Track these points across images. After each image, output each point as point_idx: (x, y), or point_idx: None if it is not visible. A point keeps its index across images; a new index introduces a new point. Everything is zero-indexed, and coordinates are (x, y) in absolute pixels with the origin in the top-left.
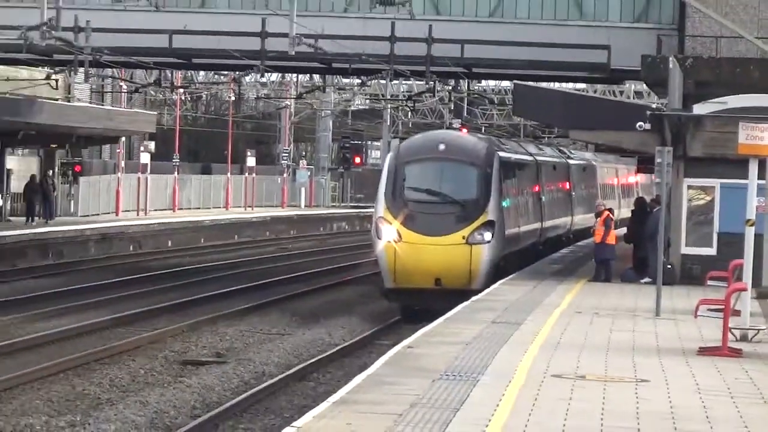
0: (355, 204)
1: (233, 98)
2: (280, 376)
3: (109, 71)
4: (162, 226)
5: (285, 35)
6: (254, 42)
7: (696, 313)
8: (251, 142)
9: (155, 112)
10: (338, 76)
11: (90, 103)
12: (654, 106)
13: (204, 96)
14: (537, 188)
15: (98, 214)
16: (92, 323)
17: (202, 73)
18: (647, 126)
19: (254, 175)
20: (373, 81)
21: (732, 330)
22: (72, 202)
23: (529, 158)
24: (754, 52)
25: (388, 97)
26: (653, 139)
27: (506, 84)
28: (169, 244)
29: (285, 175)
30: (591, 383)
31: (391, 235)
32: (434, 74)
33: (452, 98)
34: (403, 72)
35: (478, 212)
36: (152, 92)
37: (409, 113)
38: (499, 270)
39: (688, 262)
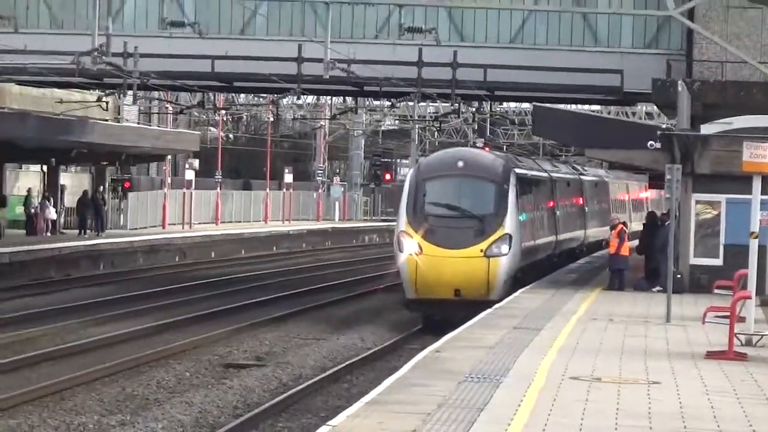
0: (386, 218)
1: (272, 119)
2: (316, 378)
3: (155, 94)
4: (205, 238)
5: (320, 60)
6: (291, 66)
7: (704, 319)
8: (288, 160)
9: (199, 132)
10: (369, 99)
11: (138, 123)
12: (664, 126)
13: (244, 117)
14: (552, 203)
15: (146, 227)
16: (141, 329)
17: (242, 95)
18: (658, 145)
19: (291, 190)
20: (402, 103)
21: (737, 335)
22: (121, 215)
23: (544, 175)
24: (758, 76)
25: (416, 117)
26: (663, 157)
27: (526, 106)
28: (212, 255)
29: (320, 190)
30: (606, 385)
31: (412, 248)
32: (459, 96)
33: (476, 119)
34: (429, 94)
35: (495, 226)
36: (196, 113)
37: (436, 133)
38: (516, 281)
39: (697, 272)
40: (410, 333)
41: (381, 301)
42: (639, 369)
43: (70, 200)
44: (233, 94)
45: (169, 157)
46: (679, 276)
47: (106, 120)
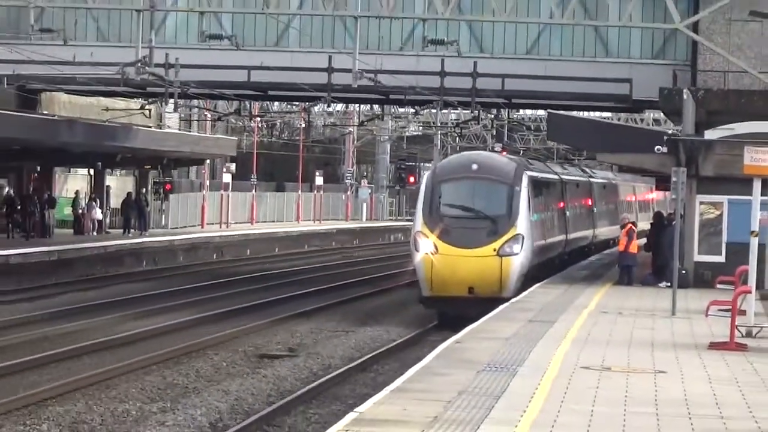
0: (410, 218)
1: (303, 125)
2: (345, 368)
3: (195, 102)
4: (241, 237)
5: (349, 71)
6: (322, 76)
7: (707, 312)
8: (319, 164)
9: (236, 138)
10: (395, 106)
11: (179, 129)
12: (670, 132)
13: (278, 123)
14: (562, 204)
15: (186, 227)
16: (181, 322)
17: (276, 103)
18: (665, 149)
19: (322, 192)
20: (425, 110)
21: (738, 327)
22: (163, 216)
23: (555, 177)
24: (758, 85)
25: (439, 124)
26: (670, 161)
27: (541, 113)
28: (248, 252)
29: (349, 192)
30: (615, 374)
31: (428, 248)
32: (478, 104)
33: (494, 125)
34: (451, 102)
35: (508, 226)
36: (233, 120)
37: (457, 138)
38: (528, 278)
39: (700, 269)
40: (433, 326)
41: (405, 296)
42: (646, 359)
43: (115, 201)
44: (268, 102)
45: (208, 161)
46: (684, 272)
47: (149, 127)
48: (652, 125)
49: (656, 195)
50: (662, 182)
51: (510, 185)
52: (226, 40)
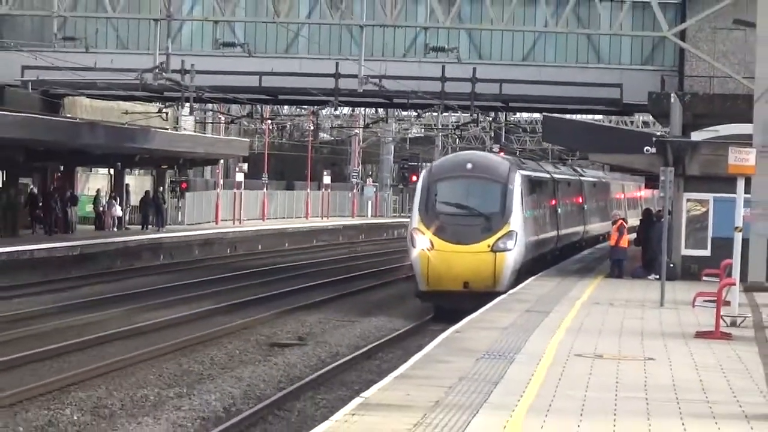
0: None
1: (312, 128)
2: (351, 356)
3: (210, 105)
4: (253, 232)
5: (354, 76)
6: (329, 81)
7: (693, 303)
8: (327, 164)
9: (248, 139)
10: (398, 110)
11: (194, 132)
12: (659, 133)
13: (288, 126)
14: (554, 202)
15: (201, 223)
16: (196, 312)
17: (286, 107)
18: (653, 150)
19: (329, 190)
20: (427, 113)
21: (723, 317)
22: (179, 213)
23: (547, 176)
24: (742, 89)
25: (440, 126)
26: (658, 161)
27: (537, 116)
28: (260, 247)
29: (355, 190)
30: (607, 361)
31: (424, 244)
32: (477, 108)
33: (492, 127)
34: (451, 106)
35: (501, 223)
36: (245, 123)
37: (457, 140)
38: (521, 273)
39: (687, 262)
40: (433, 316)
41: (407, 288)
42: (636, 347)
43: (134, 199)
44: (278, 106)
45: (222, 161)
46: (672, 265)
47: (166, 129)
48: (642, 127)
49: (645, 193)
50: (651, 181)
51: (503, 184)
52: (238, 47)
